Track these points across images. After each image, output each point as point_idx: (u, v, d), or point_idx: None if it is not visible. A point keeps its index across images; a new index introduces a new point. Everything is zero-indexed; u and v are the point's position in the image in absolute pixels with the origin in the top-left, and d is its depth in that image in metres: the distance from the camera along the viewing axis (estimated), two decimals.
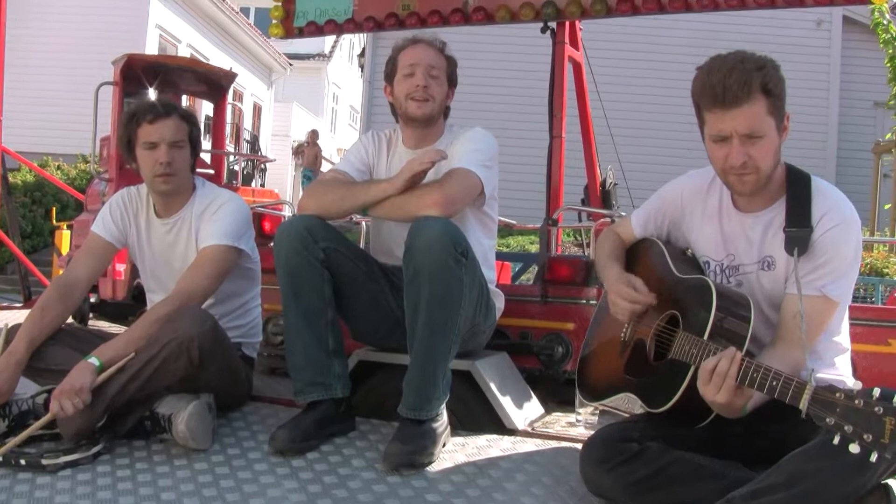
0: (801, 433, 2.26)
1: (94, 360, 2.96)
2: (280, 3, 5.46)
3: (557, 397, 3.75)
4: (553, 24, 4.91)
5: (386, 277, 3.28)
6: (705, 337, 2.38)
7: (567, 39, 4.96)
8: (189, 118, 3.40)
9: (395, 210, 3.06)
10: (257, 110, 25.71)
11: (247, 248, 3.40)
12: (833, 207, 2.49)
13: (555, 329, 3.76)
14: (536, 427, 3.30)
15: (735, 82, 2.39)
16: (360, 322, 3.31)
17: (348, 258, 3.16)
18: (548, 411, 3.55)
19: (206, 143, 9.35)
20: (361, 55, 18.84)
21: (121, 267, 6.40)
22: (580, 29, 5.31)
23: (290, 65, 27.27)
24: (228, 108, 8.33)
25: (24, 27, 16.82)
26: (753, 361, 2.21)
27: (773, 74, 2.43)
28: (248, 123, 23.28)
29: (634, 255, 2.93)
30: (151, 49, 17.41)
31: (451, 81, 3.40)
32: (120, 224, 3.49)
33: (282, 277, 3.06)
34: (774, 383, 2.13)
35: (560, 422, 3.46)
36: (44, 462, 2.80)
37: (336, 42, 33.18)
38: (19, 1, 16.73)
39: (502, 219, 5.39)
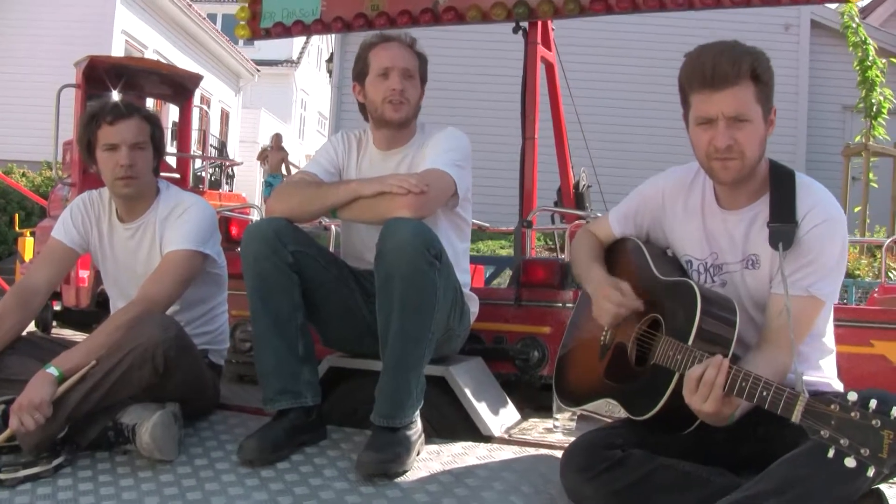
0: (788, 436, 2.18)
1: (53, 370, 2.84)
2: (246, 4, 5.37)
3: (534, 403, 3.67)
4: (525, 24, 4.85)
5: (357, 282, 3.19)
6: (689, 342, 2.30)
7: (539, 39, 4.90)
8: (151, 119, 3.30)
9: (365, 212, 2.98)
10: (225, 116, 25.51)
11: (212, 253, 3.30)
12: (818, 203, 2.43)
13: (530, 333, 3.68)
14: (513, 434, 3.22)
15: (725, 62, 2.35)
16: (331, 328, 3.22)
17: (318, 262, 3.07)
18: (524, 417, 3.47)
19: (171, 147, 9.21)
20: (330, 60, 18.69)
21: (84, 273, 6.25)
22: (552, 29, 5.25)
23: (258, 71, 27.11)
24: (195, 112, 8.21)
25: None
26: (742, 369, 2.13)
27: (764, 62, 2.40)
28: (215, 129, 23.11)
29: (613, 256, 2.86)
30: (117, 54, 17.20)
31: (423, 79, 3.32)
32: (81, 229, 3.37)
33: (249, 282, 2.96)
34: (765, 393, 2.06)
35: (537, 428, 3.38)
36: (1, 476, 2.70)
37: (304, 48, 33.06)
38: None
39: (475, 221, 5.34)
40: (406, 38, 3.30)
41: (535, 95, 4.83)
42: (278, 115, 29.82)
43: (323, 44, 33.03)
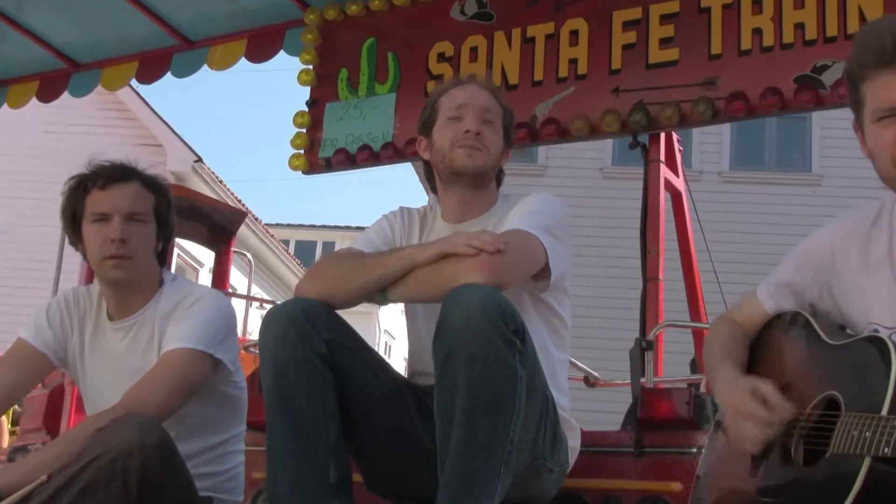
0: None
1: None
2: (304, 131, 5.30)
3: None
4: (645, 139, 4.61)
5: (414, 396, 2.83)
6: (884, 411, 1.87)
7: (663, 157, 4.65)
8: (156, 187, 3.08)
9: (423, 285, 2.66)
10: None
11: (226, 360, 2.96)
12: None
13: (654, 491, 3.16)
14: None
15: None
16: (376, 457, 2.83)
17: (362, 360, 2.74)
18: None
19: None
20: None
21: None
22: (680, 150, 5.01)
23: None
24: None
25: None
26: None
27: None
28: None
29: (765, 340, 2.47)
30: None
31: (507, 138, 3.08)
32: (59, 329, 3.09)
33: (267, 377, 2.63)
34: None
35: None
36: None
37: None
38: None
39: (581, 365, 4.93)
40: (490, 83, 3.15)
41: (660, 227, 4.54)
42: None
43: None
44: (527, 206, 2.88)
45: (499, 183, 3.09)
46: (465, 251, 2.57)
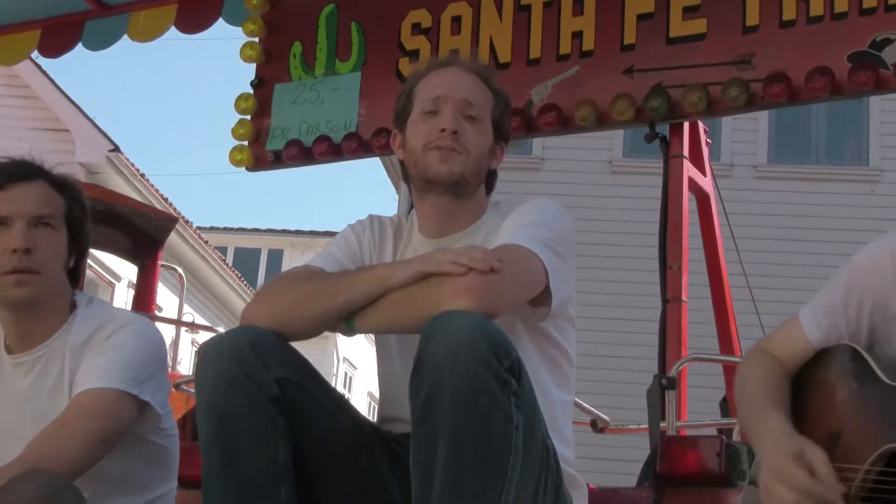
0: None
1: None
2: (248, 118, 5.32)
3: None
4: (665, 130, 4.66)
5: (384, 445, 2.85)
6: None
7: (687, 152, 4.69)
8: (66, 188, 3.10)
9: (397, 311, 2.68)
10: None
11: (153, 403, 2.98)
12: None
13: None
14: None
15: None
16: None
17: (320, 402, 2.75)
18: None
19: None
20: None
21: None
22: (707, 142, 5.06)
23: None
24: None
25: None
26: None
27: None
28: None
29: (810, 378, 2.52)
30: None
31: (501, 132, 3.09)
32: None
33: (204, 425, 2.63)
34: None
35: None
36: None
37: None
38: None
39: (587, 407, 4.96)
40: (478, 64, 3.16)
41: (683, 236, 4.58)
42: None
43: None
44: (523, 216, 2.90)
45: (490, 187, 3.11)
46: (452, 270, 2.58)
